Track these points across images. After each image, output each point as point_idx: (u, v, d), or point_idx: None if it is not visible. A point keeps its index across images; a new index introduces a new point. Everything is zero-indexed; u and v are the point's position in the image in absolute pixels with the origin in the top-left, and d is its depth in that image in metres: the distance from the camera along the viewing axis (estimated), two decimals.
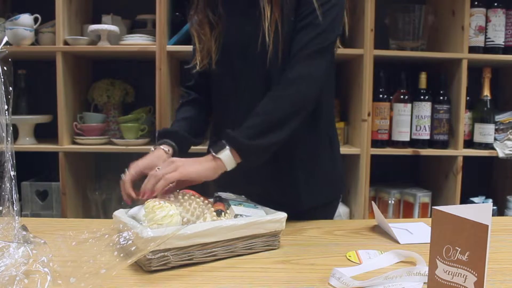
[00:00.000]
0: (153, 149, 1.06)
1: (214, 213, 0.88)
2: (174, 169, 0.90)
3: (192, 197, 0.90)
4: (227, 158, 0.94)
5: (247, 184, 1.04)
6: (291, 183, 1.11)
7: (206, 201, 0.91)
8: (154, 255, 0.74)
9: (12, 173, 0.69)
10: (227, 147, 0.93)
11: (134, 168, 0.99)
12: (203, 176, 0.93)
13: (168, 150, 1.05)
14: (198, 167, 0.92)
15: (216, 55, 1.09)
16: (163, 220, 0.79)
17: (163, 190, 0.89)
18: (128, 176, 0.98)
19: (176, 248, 0.76)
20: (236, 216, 0.88)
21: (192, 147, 1.15)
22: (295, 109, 0.98)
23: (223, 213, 0.89)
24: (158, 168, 0.91)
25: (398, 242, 0.93)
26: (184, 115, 1.17)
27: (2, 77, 0.69)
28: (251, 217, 0.87)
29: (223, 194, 1.00)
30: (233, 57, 1.08)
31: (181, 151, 1.09)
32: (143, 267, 0.76)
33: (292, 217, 1.08)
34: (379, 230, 1.03)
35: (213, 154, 0.94)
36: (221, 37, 1.09)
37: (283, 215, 0.89)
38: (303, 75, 0.98)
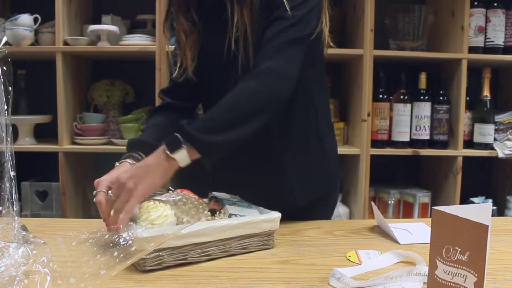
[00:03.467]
0: (117, 163, 1.00)
1: (209, 213, 0.88)
2: (129, 195, 0.81)
3: (187, 196, 0.90)
4: (182, 157, 0.85)
5: (237, 186, 1.03)
6: (281, 183, 1.10)
7: (201, 201, 0.91)
8: (149, 255, 0.73)
9: (12, 173, 0.69)
10: (184, 146, 0.85)
11: (102, 185, 0.90)
12: (158, 186, 0.86)
13: (134, 164, 0.98)
14: (151, 180, 0.84)
15: (194, 62, 1.06)
16: (158, 220, 0.79)
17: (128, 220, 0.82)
18: (101, 196, 0.89)
19: (171, 248, 0.76)
20: (230, 215, 0.88)
21: None
22: (261, 105, 0.91)
23: (217, 213, 0.89)
24: (110, 195, 0.84)
25: (398, 242, 0.93)
26: (154, 122, 1.12)
27: (1, 77, 0.69)
28: (245, 217, 0.87)
29: (218, 194, 1.00)
30: (210, 65, 1.06)
31: None
32: (138, 266, 0.76)
33: (288, 216, 1.07)
34: (379, 230, 1.03)
35: (167, 152, 0.85)
36: (197, 44, 1.06)
37: (277, 214, 0.89)
38: (271, 69, 0.91)
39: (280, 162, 1.09)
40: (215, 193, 1.00)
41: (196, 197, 0.94)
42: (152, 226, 0.78)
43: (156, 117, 1.15)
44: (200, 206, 0.89)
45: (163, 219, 0.79)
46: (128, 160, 1.00)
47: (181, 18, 1.05)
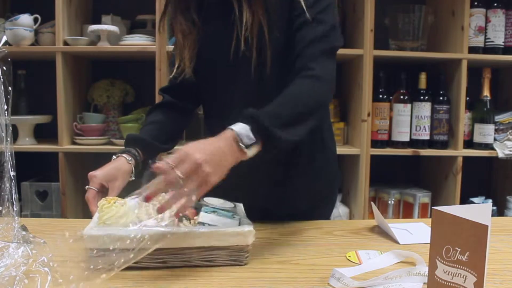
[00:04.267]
0: (115, 157, 1.02)
1: (174, 219, 0.81)
2: (203, 180, 0.73)
3: (160, 198, 0.82)
4: (253, 151, 0.81)
5: (240, 189, 1.03)
6: (285, 187, 1.10)
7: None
8: (97, 254, 0.71)
9: (12, 173, 0.69)
10: (256, 141, 0.80)
11: (94, 182, 0.94)
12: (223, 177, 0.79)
13: (131, 160, 1.00)
14: (223, 170, 0.77)
15: (191, 63, 1.04)
16: (110, 220, 0.77)
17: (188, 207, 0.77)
18: (91, 193, 0.93)
19: (124, 250, 0.70)
20: (198, 224, 0.82)
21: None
22: (318, 105, 0.93)
23: (184, 220, 0.83)
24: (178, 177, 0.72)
25: (398, 243, 0.93)
26: (153, 119, 1.13)
27: (1, 77, 0.69)
28: (207, 227, 0.80)
29: (209, 200, 0.93)
30: (213, 66, 1.05)
31: (148, 158, 1.05)
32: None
33: (289, 218, 1.08)
34: (379, 230, 1.03)
35: (241, 146, 0.79)
36: (196, 44, 1.04)
37: (247, 228, 0.79)
38: (323, 74, 0.93)
39: (284, 168, 1.09)
40: (206, 199, 0.93)
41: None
42: (105, 226, 0.76)
43: (155, 113, 1.15)
44: (169, 210, 0.80)
45: (115, 219, 0.77)
46: (124, 155, 1.01)
47: (180, 18, 1.04)
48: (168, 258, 0.77)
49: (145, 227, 0.75)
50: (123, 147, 1.05)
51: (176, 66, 1.07)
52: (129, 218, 0.79)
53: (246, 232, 0.78)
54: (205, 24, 1.05)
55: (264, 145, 0.82)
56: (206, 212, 0.86)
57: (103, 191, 0.97)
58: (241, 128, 0.80)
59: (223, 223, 0.83)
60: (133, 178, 1.02)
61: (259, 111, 0.82)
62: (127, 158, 1.01)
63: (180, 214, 0.80)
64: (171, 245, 0.76)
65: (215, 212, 0.87)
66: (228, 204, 0.94)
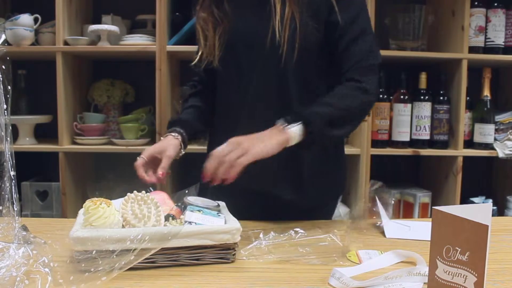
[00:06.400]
0: (162, 138, 1.10)
1: (161, 218, 0.83)
2: (244, 152, 0.88)
3: (145, 198, 0.84)
4: (295, 136, 0.93)
5: (252, 179, 1.03)
6: (297, 180, 1.11)
7: (165, 206, 0.88)
8: (82, 256, 0.71)
9: (12, 173, 0.70)
10: (299, 124, 0.93)
11: (146, 152, 1.04)
12: (270, 153, 0.91)
13: (177, 136, 1.09)
14: (267, 144, 0.90)
15: (220, 52, 1.08)
16: (97, 222, 0.77)
17: (236, 175, 0.88)
18: (139, 161, 1.03)
19: (110, 251, 0.71)
20: (186, 223, 0.83)
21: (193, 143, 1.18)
22: (363, 115, 1.08)
23: (170, 219, 0.84)
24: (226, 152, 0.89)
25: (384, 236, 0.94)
26: (193, 103, 1.20)
27: (0, 76, 0.69)
28: (194, 226, 0.80)
29: (192, 199, 0.93)
30: (239, 54, 1.07)
31: (190, 138, 1.14)
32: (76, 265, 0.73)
33: (292, 217, 1.08)
34: (380, 230, 1.03)
35: (282, 126, 0.93)
36: (225, 34, 1.08)
37: (233, 226, 0.81)
38: (368, 88, 1.02)
39: (299, 166, 1.09)
40: (190, 198, 0.93)
41: (165, 199, 0.92)
42: (92, 228, 0.76)
43: (194, 99, 1.22)
44: (155, 210, 0.83)
45: (102, 220, 0.77)
46: (173, 134, 1.09)
47: (213, 8, 1.08)
48: (157, 258, 0.77)
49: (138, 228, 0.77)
50: (168, 128, 1.13)
51: (204, 56, 1.11)
52: (115, 218, 0.79)
53: (233, 230, 0.80)
54: (236, 14, 1.08)
55: (310, 133, 0.93)
56: (191, 211, 0.86)
57: (154, 163, 1.04)
58: (290, 115, 0.95)
59: (210, 222, 0.84)
60: (183, 152, 1.10)
61: (309, 110, 0.95)
62: (174, 135, 1.09)
63: (167, 213, 0.86)
64: (162, 244, 0.76)
65: (201, 211, 0.87)
66: (212, 203, 0.94)
